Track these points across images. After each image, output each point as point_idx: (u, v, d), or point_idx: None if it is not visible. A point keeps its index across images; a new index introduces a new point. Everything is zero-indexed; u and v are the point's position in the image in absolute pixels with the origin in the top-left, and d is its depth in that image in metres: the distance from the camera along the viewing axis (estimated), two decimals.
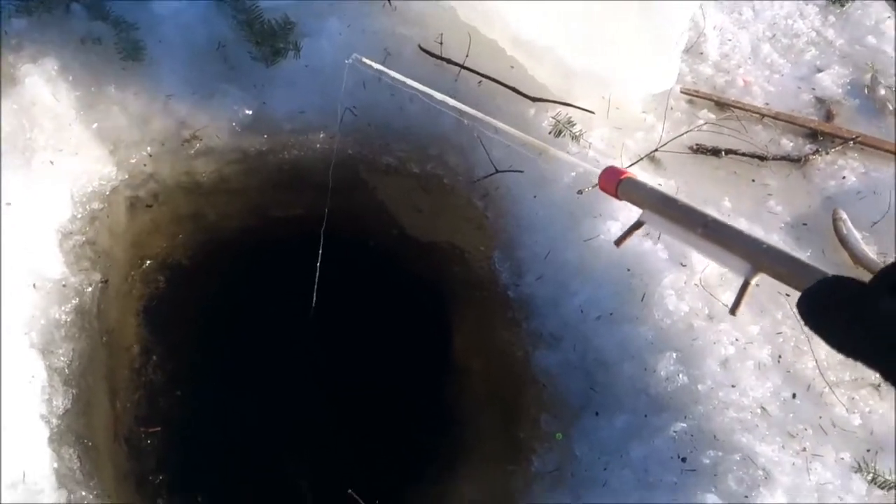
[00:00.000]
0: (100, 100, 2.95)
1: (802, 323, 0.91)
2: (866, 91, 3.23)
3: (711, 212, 1.17)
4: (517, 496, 2.43)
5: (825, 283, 0.90)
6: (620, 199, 1.43)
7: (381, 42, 3.07)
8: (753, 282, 1.10)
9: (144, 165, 2.97)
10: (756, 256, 1.09)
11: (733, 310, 1.15)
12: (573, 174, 2.82)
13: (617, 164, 1.40)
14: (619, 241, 1.43)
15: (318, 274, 2.77)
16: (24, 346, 2.43)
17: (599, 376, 2.56)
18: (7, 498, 2.18)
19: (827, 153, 2.99)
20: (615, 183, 1.42)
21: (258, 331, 3.14)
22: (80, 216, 2.80)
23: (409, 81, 2.22)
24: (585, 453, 2.46)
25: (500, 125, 2.02)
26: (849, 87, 3.25)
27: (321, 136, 3.05)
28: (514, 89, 2.91)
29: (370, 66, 2.24)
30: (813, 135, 3.07)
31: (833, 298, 0.87)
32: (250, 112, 3.03)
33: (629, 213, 2.46)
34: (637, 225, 1.34)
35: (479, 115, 2.08)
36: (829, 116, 3.13)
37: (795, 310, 0.93)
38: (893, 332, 0.73)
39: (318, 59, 3.06)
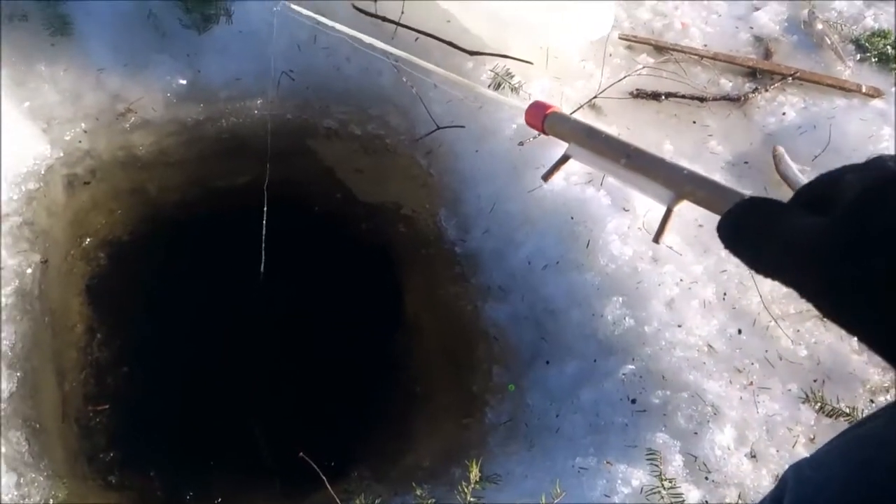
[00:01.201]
0: (29, 77, 2.88)
1: (722, 245, 0.91)
2: (803, 26, 3.26)
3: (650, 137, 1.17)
4: (472, 448, 2.44)
5: (742, 204, 0.90)
6: (547, 133, 1.42)
7: (314, 3, 3.01)
8: (676, 209, 1.10)
9: (80, 142, 2.91)
10: (677, 183, 1.09)
11: (656, 238, 1.16)
12: (514, 126, 2.82)
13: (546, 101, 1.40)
14: (546, 176, 1.42)
15: (263, 242, 2.74)
16: None
17: (549, 325, 2.58)
18: None
19: (766, 91, 3.01)
20: (541, 118, 1.41)
21: (206, 302, 3.10)
22: (15, 197, 2.74)
23: (339, 26, 2.18)
24: (537, 402, 2.48)
25: (433, 67, 2.00)
26: (786, 24, 3.27)
27: (259, 102, 3.01)
28: (450, 44, 2.88)
29: (299, 13, 2.20)
30: (752, 73, 3.09)
31: (750, 218, 0.87)
32: (185, 81, 2.97)
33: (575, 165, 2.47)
34: (563, 159, 1.34)
35: (410, 57, 2.05)
36: (767, 54, 3.15)
37: (716, 233, 0.93)
38: (806, 247, 0.73)
39: (250, 23, 3.00)
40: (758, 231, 0.83)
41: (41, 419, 2.51)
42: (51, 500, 2.31)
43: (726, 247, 0.92)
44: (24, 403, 2.45)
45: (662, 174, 1.12)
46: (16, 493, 2.24)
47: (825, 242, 0.70)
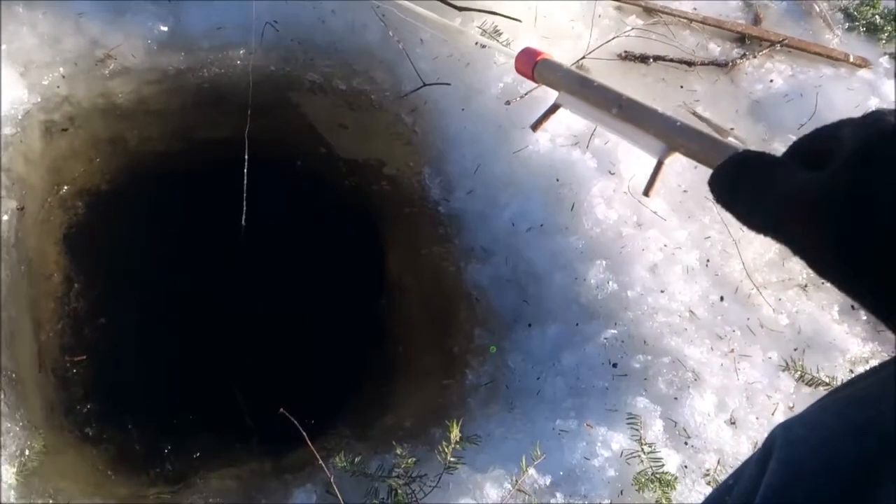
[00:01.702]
0: (7, 20, 2.79)
1: (714, 200, 0.89)
2: None
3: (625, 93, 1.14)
4: (452, 410, 2.43)
5: (735, 158, 0.88)
6: (537, 81, 1.39)
7: None
8: (667, 162, 1.08)
9: (58, 87, 2.84)
10: (669, 135, 1.07)
11: (647, 191, 1.14)
12: (501, 86, 2.78)
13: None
14: (535, 126, 1.40)
15: (244, 195, 2.70)
16: None
17: (531, 288, 2.56)
18: None
19: (754, 57, 2.99)
20: (531, 65, 1.37)
21: (185, 254, 3.07)
22: None
23: None
24: (519, 364, 2.48)
25: (423, 11, 1.95)
26: None
27: (241, 52, 2.93)
28: None
29: None
30: (740, 39, 3.06)
31: (744, 172, 0.85)
32: (166, 28, 2.89)
33: (556, 123, 2.44)
34: (553, 108, 1.31)
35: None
36: (756, 20, 3.12)
37: (707, 187, 0.91)
38: (805, 203, 0.71)
39: None
40: (752, 185, 0.81)
41: (18, 369, 2.47)
42: (27, 451, 2.28)
43: (717, 201, 0.90)
44: None
45: (655, 126, 1.10)
46: None
47: (824, 198, 0.68)
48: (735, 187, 0.85)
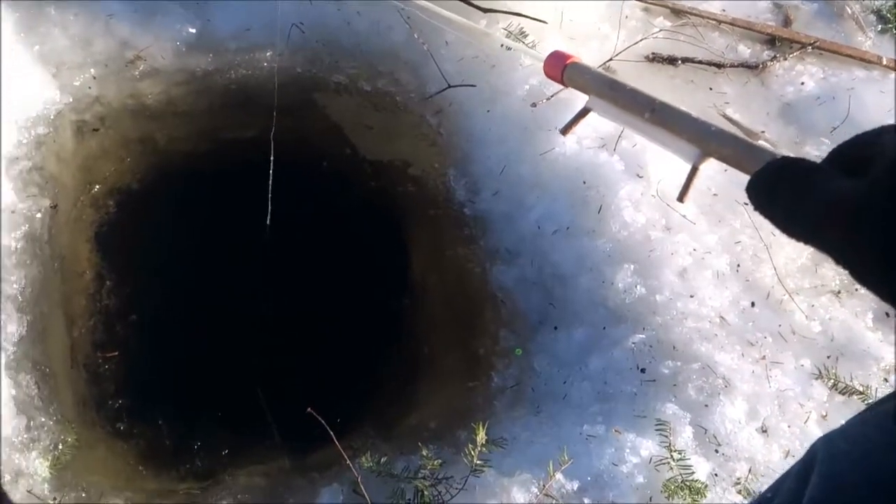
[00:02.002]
0: (40, 21, 2.83)
1: (752, 206, 0.87)
2: None
3: (659, 96, 1.13)
4: (477, 412, 2.43)
5: (774, 164, 0.87)
6: (566, 85, 1.37)
7: None
8: (701, 167, 1.07)
9: (89, 88, 2.87)
10: (704, 140, 1.05)
11: (681, 196, 1.12)
12: (526, 87, 2.77)
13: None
14: (564, 130, 1.38)
15: (270, 195, 2.71)
16: None
17: (557, 291, 2.55)
18: None
19: (785, 59, 2.95)
20: (560, 68, 1.36)
21: (212, 253, 3.09)
22: (25, 141, 2.71)
23: None
24: (545, 367, 2.47)
25: (449, 14, 1.94)
26: None
27: (268, 54, 2.95)
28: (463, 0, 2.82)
29: None
30: (771, 41, 3.02)
31: (782, 178, 0.83)
32: (194, 30, 2.91)
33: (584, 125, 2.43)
34: (584, 112, 1.30)
35: (426, 3, 1.99)
36: (786, 21, 3.09)
37: (745, 194, 0.90)
38: (847, 210, 0.70)
39: None
40: (791, 192, 0.80)
41: (51, 364, 2.51)
42: (60, 445, 2.31)
43: (756, 208, 0.89)
44: (33, 347, 2.46)
45: (688, 130, 1.09)
46: (25, 435, 2.25)
47: (865, 205, 0.67)
48: (774, 194, 0.84)
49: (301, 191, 3.01)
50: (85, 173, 2.99)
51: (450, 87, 2.79)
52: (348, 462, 2.13)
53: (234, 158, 3.15)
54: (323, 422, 2.14)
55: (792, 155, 0.89)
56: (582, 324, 2.48)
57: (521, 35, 2.75)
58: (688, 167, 1.11)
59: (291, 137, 2.79)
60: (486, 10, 2.80)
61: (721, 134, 1.03)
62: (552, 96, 2.67)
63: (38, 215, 2.65)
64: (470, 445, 2.07)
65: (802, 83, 2.92)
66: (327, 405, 2.24)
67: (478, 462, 2.07)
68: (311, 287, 3.09)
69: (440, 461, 2.17)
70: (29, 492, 2.15)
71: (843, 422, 2.21)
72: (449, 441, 2.35)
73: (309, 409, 2.15)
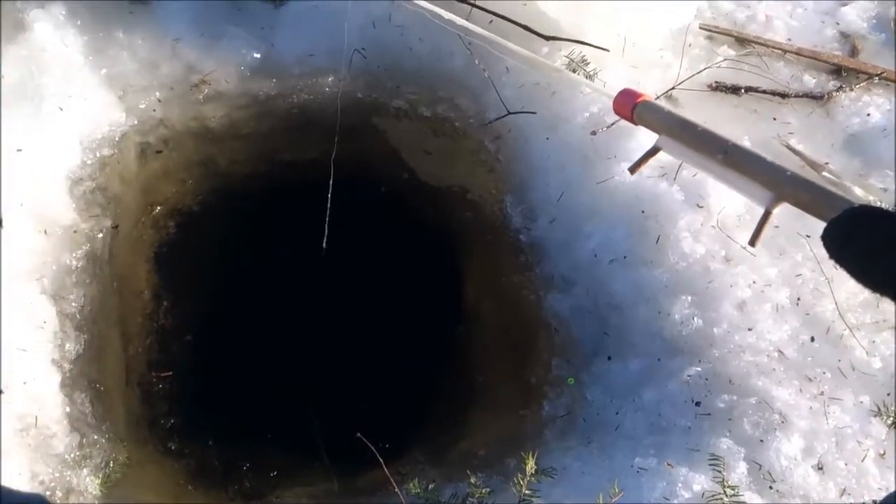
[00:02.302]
0: (108, 45, 2.92)
1: (827, 255, 0.85)
2: (892, 25, 3.12)
3: (731, 135, 1.12)
4: (528, 441, 2.41)
5: (851, 212, 0.85)
6: (636, 123, 1.37)
7: None
8: (775, 212, 1.05)
9: (154, 111, 2.94)
10: (778, 184, 1.04)
11: (753, 241, 1.11)
12: (587, 115, 2.76)
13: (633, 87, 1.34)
14: (633, 169, 1.37)
15: (327, 218, 2.74)
16: (36, 291, 2.44)
17: (613, 320, 2.53)
18: (19, 442, 2.18)
19: (851, 90, 2.90)
20: (631, 107, 1.35)
21: (269, 276, 3.14)
22: (90, 162, 2.79)
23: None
24: (597, 397, 2.45)
25: (512, 46, 1.95)
26: (874, 21, 3.13)
27: (330, 79, 3.00)
28: (525, 27, 2.82)
29: None
30: (836, 71, 2.97)
31: (859, 227, 0.82)
32: (258, 55, 2.97)
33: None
34: (653, 151, 1.28)
35: (489, 34, 2.00)
36: (853, 51, 3.03)
37: (821, 241, 0.88)
38: None
39: None
40: (869, 241, 0.78)
41: (105, 382, 2.56)
42: (111, 463, 2.35)
43: (831, 256, 0.87)
44: (89, 366, 2.51)
45: (762, 174, 1.07)
46: (78, 453, 2.29)
47: None
48: (851, 243, 0.82)
49: (359, 214, 3.03)
50: (147, 194, 3.05)
51: (510, 113, 2.80)
52: (395, 488, 2.13)
53: (292, 181, 3.19)
54: (371, 446, 2.14)
55: (861, 193, 0.88)
56: (637, 355, 2.45)
57: (583, 62, 2.74)
58: (759, 209, 1.09)
59: (350, 161, 2.81)
60: (548, 38, 2.80)
61: (796, 179, 1.01)
62: (612, 124, 2.66)
63: (100, 235, 2.71)
64: (519, 474, 2.04)
65: (868, 114, 2.86)
66: (377, 429, 2.25)
67: (527, 492, 2.05)
68: (365, 310, 3.11)
69: (489, 489, 2.16)
70: None
71: None
72: (498, 469, 2.34)
73: (358, 434, 2.16)
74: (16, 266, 2.41)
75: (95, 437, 2.37)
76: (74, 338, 2.47)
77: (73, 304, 2.52)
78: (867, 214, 0.82)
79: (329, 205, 2.71)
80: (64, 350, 2.43)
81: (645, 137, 2.61)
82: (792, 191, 1.01)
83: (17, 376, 2.25)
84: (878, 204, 0.88)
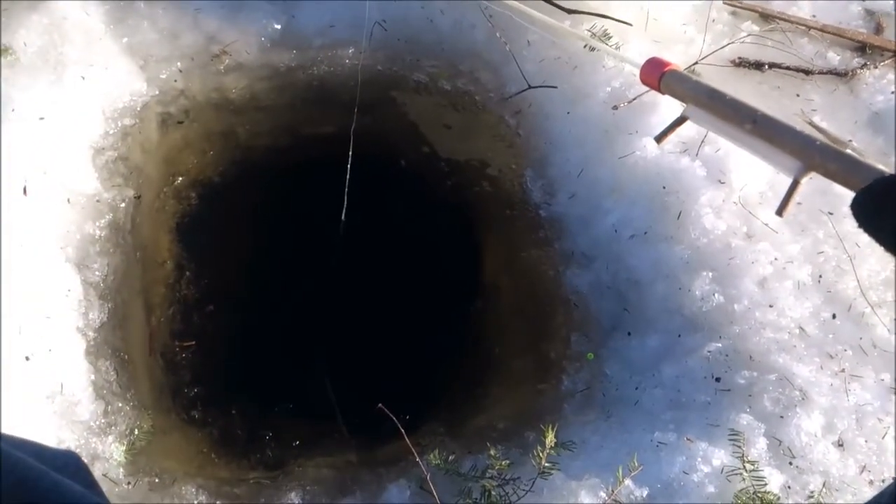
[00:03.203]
0: (129, 14, 2.92)
1: (857, 224, 0.85)
2: None
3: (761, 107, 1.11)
4: (547, 414, 2.42)
5: (882, 182, 0.85)
6: (663, 92, 1.36)
7: None
8: (804, 180, 1.04)
9: (175, 81, 2.95)
10: (808, 154, 1.03)
11: (780, 211, 1.10)
12: (608, 90, 2.75)
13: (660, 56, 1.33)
14: (659, 138, 1.36)
15: (346, 190, 2.75)
16: (60, 260, 2.46)
17: (632, 296, 2.53)
18: (45, 409, 2.22)
19: (875, 67, 2.87)
20: (658, 76, 1.34)
21: (289, 247, 3.15)
22: (112, 132, 2.80)
23: None
24: (616, 373, 2.45)
25: (536, 13, 1.93)
26: None
27: (350, 51, 2.99)
28: (548, 0, 2.80)
29: None
30: (861, 48, 2.94)
31: (889, 196, 0.81)
32: (279, 26, 2.97)
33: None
34: (680, 120, 1.28)
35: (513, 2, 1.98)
36: (878, 29, 3.00)
37: (850, 210, 0.87)
38: None
39: None
40: None
41: (129, 351, 2.58)
42: (135, 430, 2.38)
43: (860, 225, 0.87)
44: (113, 334, 2.53)
45: (792, 143, 1.06)
46: (103, 420, 2.32)
47: None
48: (881, 213, 0.82)
49: (378, 188, 3.04)
50: (168, 165, 3.07)
51: (530, 87, 2.79)
52: (416, 458, 2.15)
53: (312, 153, 3.20)
54: (393, 417, 2.16)
55: (888, 170, 0.87)
56: (656, 331, 2.45)
57: (605, 37, 2.72)
58: (784, 181, 1.08)
59: (370, 134, 2.82)
60: (570, 11, 2.78)
61: (826, 148, 1.01)
62: (634, 99, 2.65)
63: (122, 205, 2.72)
64: (538, 447, 2.05)
65: (893, 92, 2.83)
66: (398, 402, 2.26)
67: (546, 464, 2.06)
68: (385, 284, 3.12)
69: (508, 462, 2.17)
70: (104, 475, 2.21)
71: None
72: (517, 442, 2.35)
73: (380, 405, 2.18)
74: (40, 234, 2.43)
75: (120, 404, 2.40)
76: (98, 306, 2.49)
77: (97, 272, 2.54)
78: None
79: (348, 176, 2.72)
80: (88, 318, 2.45)
81: (666, 111, 2.62)
82: (821, 160, 1.00)
83: (43, 344, 2.27)
84: None
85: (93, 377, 2.37)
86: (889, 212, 0.80)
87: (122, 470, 2.28)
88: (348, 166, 2.71)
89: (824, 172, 1.01)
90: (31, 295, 2.32)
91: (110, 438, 2.31)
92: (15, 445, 1.22)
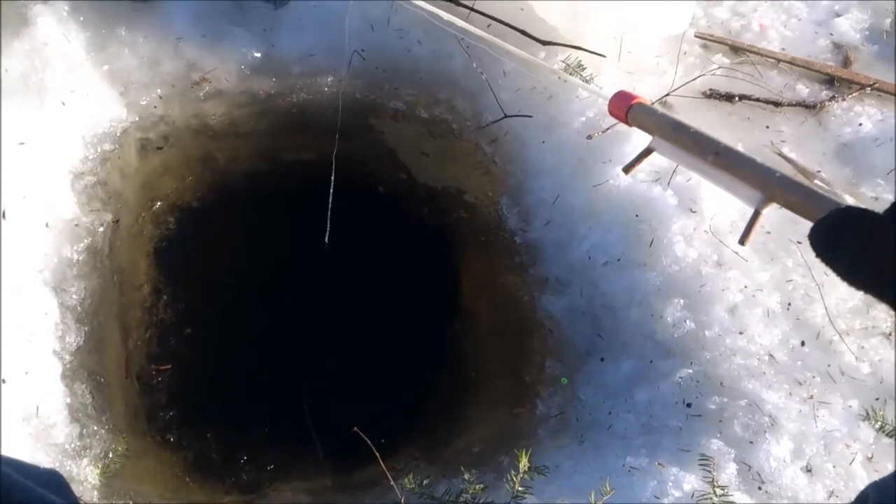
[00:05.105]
0: (110, 41, 2.95)
1: (814, 254, 0.89)
2: (885, 36, 3.15)
3: (723, 140, 1.16)
4: (521, 439, 2.44)
5: (837, 213, 0.88)
6: (630, 124, 1.40)
7: None
8: (764, 212, 1.08)
9: (155, 107, 2.97)
10: (768, 185, 1.07)
11: (742, 240, 1.14)
12: (582, 119, 2.80)
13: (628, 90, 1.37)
14: (627, 169, 1.40)
15: (329, 216, 2.77)
16: (38, 283, 2.47)
17: (606, 322, 2.56)
18: (21, 431, 2.21)
19: (843, 100, 2.94)
20: (625, 108, 1.38)
21: (267, 273, 3.16)
22: (91, 157, 2.82)
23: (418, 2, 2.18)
24: (590, 397, 2.48)
25: (511, 48, 1.99)
26: (867, 33, 3.17)
27: (329, 79, 3.03)
28: (523, 32, 2.86)
29: None
30: (829, 81, 3.01)
31: (845, 228, 0.85)
32: (259, 55, 3.01)
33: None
34: (646, 152, 1.32)
35: (488, 35, 2.04)
36: (846, 62, 3.07)
37: (808, 241, 0.91)
38: None
39: None
40: (855, 242, 0.81)
41: (105, 374, 2.59)
42: (110, 453, 2.37)
43: (818, 255, 0.90)
44: (89, 357, 2.53)
45: (752, 175, 1.10)
46: (78, 443, 2.31)
47: None
48: (836, 243, 0.85)
49: (356, 214, 3.06)
50: (147, 190, 3.08)
51: (506, 116, 2.84)
52: (391, 482, 2.16)
53: (291, 179, 3.22)
54: (368, 441, 2.17)
55: (852, 201, 0.91)
56: (629, 356, 2.48)
57: (579, 68, 2.78)
58: (749, 210, 1.13)
59: (348, 161, 2.84)
60: (545, 43, 2.84)
61: (785, 180, 1.05)
62: (608, 129, 2.70)
63: (101, 229, 2.74)
64: (512, 471, 2.08)
65: (860, 124, 2.90)
66: (373, 426, 2.27)
67: (520, 489, 2.08)
68: (362, 309, 3.13)
69: (482, 486, 2.18)
70: (79, 498, 2.20)
71: (890, 466, 2.17)
72: (492, 466, 2.37)
73: (355, 429, 2.19)
74: (18, 258, 2.43)
75: (95, 427, 2.39)
76: (75, 329, 2.50)
77: (74, 296, 2.54)
78: (853, 215, 0.85)
79: (331, 201, 2.74)
80: (65, 341, 2.45)
81: (639, 141, 2.67)
82: (781, 191, 1.04)
83: (20, 366, 2.27)
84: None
85: (68, 400, 2.37)
86: (843, 242, 0.84)
87: (96, 493, 2.28)
88: (330, 191, 2.74)
89: (784, 203, 1.05)
90: (9, 318, 2.32)
91: (85, 461, 2.30)
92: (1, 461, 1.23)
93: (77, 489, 2.23)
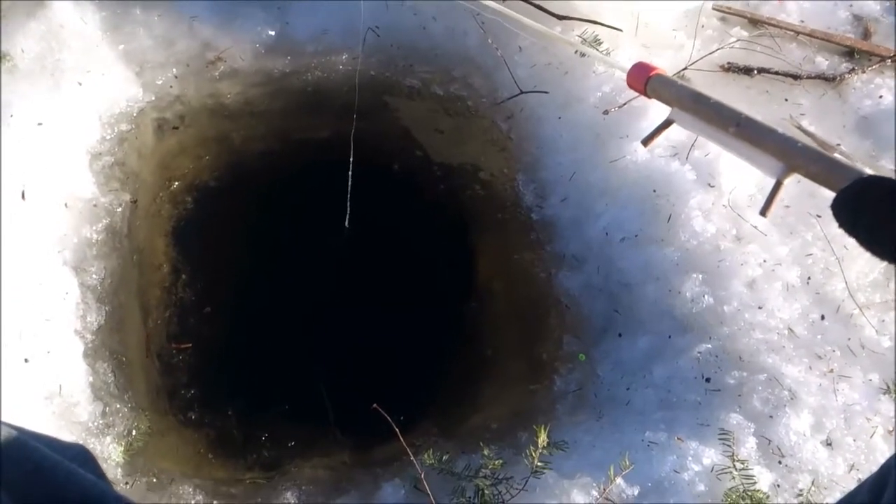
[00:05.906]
0: (125, 21, 2.95)
1: (836, 224, 0.88)
2: None
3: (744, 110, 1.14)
4: (539, 415, 2.45)
5: (861, 182, 0.88)
6: (649, 96, 1.39)
7: None
8: (786, 182, 1.07)
9: (170, 87, 2.98)
10: (790, 155, 1.06)
11: (764, 211, 1.13)
12: (599, 94, 2.78)
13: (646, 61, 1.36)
14: (646, 141, 1.39)
15: (349, 194, 2.77)
16: (58, 263, 2.49)
17: (623, 298, 2.56)
18: (44, 410, 2.24)
19: (863, 72, 2.90)
20: (644, 80, 1.37)
21: (284, 251, 3.17)
22: (108, 137, 2.83)
23: None
24: (608, 373, 2.48)
25: (528, 21, 1.97)
26: (887, 4, 3.11)
27: (344, 57, 3.02)
28: (539, 6, 2.84)
29: None
30: (849, 53, 2.97)
31: (868, 197, 0.84)
32: (273, 33, 3.01)
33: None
34: (666, 124, 1.31)
35: (504, 8, 2.02)
36: (866, 34, 3.03)
37: (830, 211, 0.90)
38: None
39: None
40: (877, 211, 0.81)
41: (127, 353, 2.61)
42: (133, 431, 2.40)
43: (840, 225, 0.90)
44: (111, 336, 2.56)
45: (774, 145, 1.09)
46: (101, 421, 2.34)
47: None
48: (859, 212, 0.85)
49: (371, 192, 3.06)
50: (164, 170, 3.09)
51: (522, 92, 2.82)
52: (411, 458, 2.17)
53: (307, 158, 3.22)
54: (388, 417, 2.18)
55: (871, 172, 0.90)
56: (647, 332, 2.48)
57: (596, 42, 2.75)
58: (770, 182, 1.12)
59: (363, 139, 2.84)
60: (561, 18, 2.82)
61: (807, 150, 1.04)
62: (625, 104, 2.68)
63: (119, 209, 2.76)
64: (531, 447, 2.08)
65: (881, 96, 2.87)
66: (392, 402, 2.28)
67: (538, 464, 2.09)
68: (379, 286, 3.14)
69: (501, 461, 2.20)
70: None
71: None
72: (510, 442, 2.38)
73: (374, 406, 2.20)
74: (38, 238, 2.45)
75: (118, 406, 2.42)
76: (96, 309, 2.52)
77: (94, 276, 2.57)
78: (876, 184, 0.85)
79: (350, 181, 2.75)
80: (86, 321, 2.48)
81: (656, 116, 2.65)
82: (803, 161, 1.03)
83: (42, 346, 2.30)
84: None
85: (91, 379, 2.39)
86: (866, 211, 0.83)
87: (120, 470, 2.31)
88: (349, 171, 2.74)
89: (806, 173, 1.04)
90: (30, 298, 2.34)
91: (108, 439, 2.33)
92: (29, 436, 1.25)
93: (101, 466, 2.26)
